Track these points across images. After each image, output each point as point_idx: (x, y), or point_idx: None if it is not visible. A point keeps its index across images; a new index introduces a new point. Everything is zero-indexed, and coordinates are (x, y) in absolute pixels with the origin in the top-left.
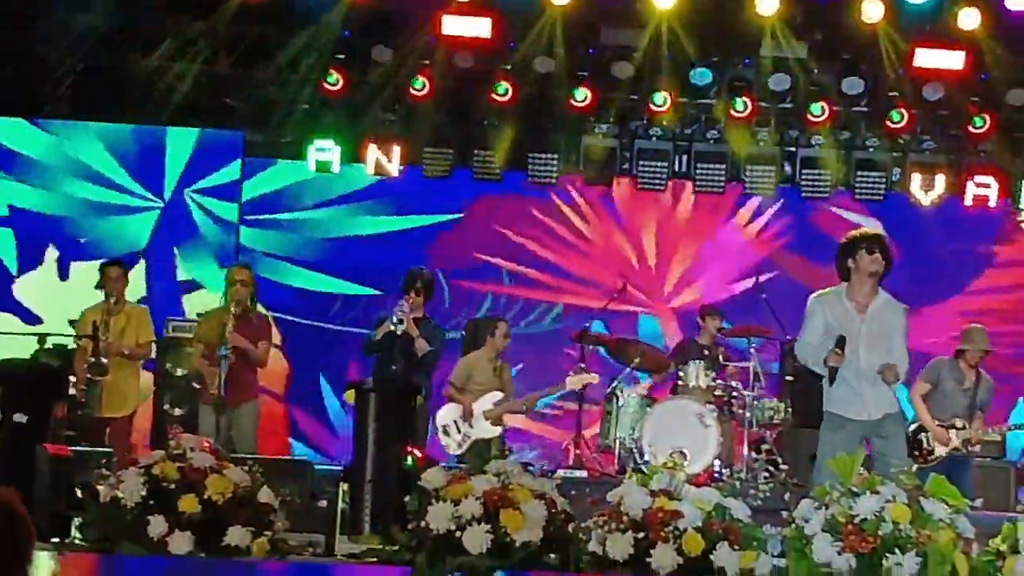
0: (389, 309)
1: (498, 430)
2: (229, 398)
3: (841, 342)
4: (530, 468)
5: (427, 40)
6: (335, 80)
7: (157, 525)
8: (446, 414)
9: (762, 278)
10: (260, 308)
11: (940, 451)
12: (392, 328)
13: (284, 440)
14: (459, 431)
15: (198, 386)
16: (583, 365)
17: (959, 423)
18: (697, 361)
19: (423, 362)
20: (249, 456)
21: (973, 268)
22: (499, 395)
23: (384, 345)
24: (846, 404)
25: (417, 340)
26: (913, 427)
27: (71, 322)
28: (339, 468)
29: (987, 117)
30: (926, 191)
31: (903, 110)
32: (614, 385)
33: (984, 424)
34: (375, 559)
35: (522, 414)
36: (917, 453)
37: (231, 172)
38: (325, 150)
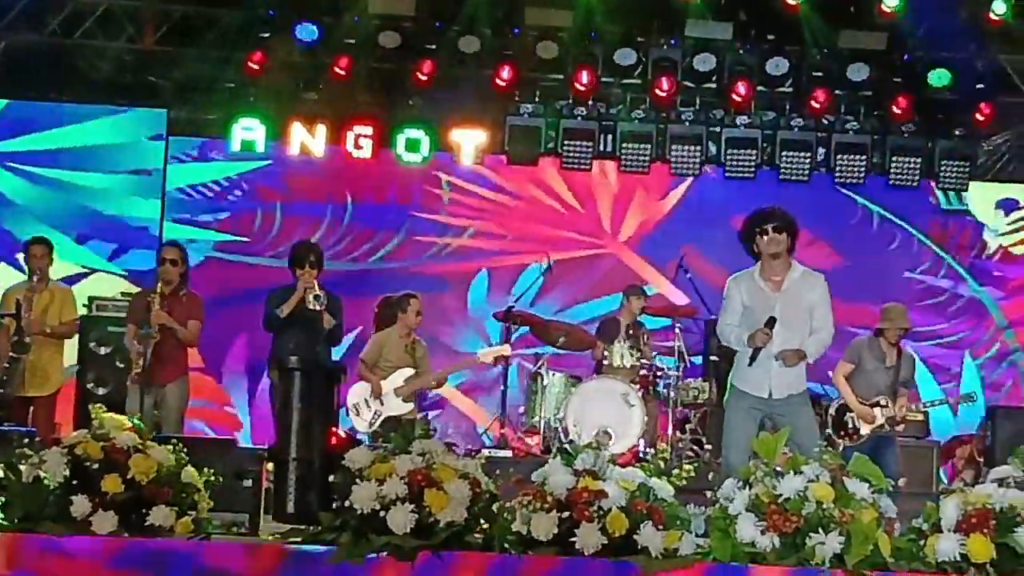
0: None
1: (410, 406)
2: (156, 377)
3: (771, 322)
4: (454, 448)
5: (352, 19)
6: (260, 59)
7: (80, 505)
8: (356, 392)
9: (685, 258)
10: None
11: (865, 429)
12: (312, 306)
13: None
14: (370, 408)
15: (121, 365)
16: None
17: (883, 401)
18: (622, 341)
19: (331, 336)
20: (173, 436)
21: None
22: (409, 372)
23: (294, 321)
24: (749, 380)
25: (324, 315)
26: (837, 405)
27: None
28: (264, 448)
29: (909, 98)
30: (850, 171)
31: (827, 90)
32: (539, 365)
33: (908, 401)
34: (299, 539)
35: (434, 389)
36: (843, 432)
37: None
38: (250, 129)
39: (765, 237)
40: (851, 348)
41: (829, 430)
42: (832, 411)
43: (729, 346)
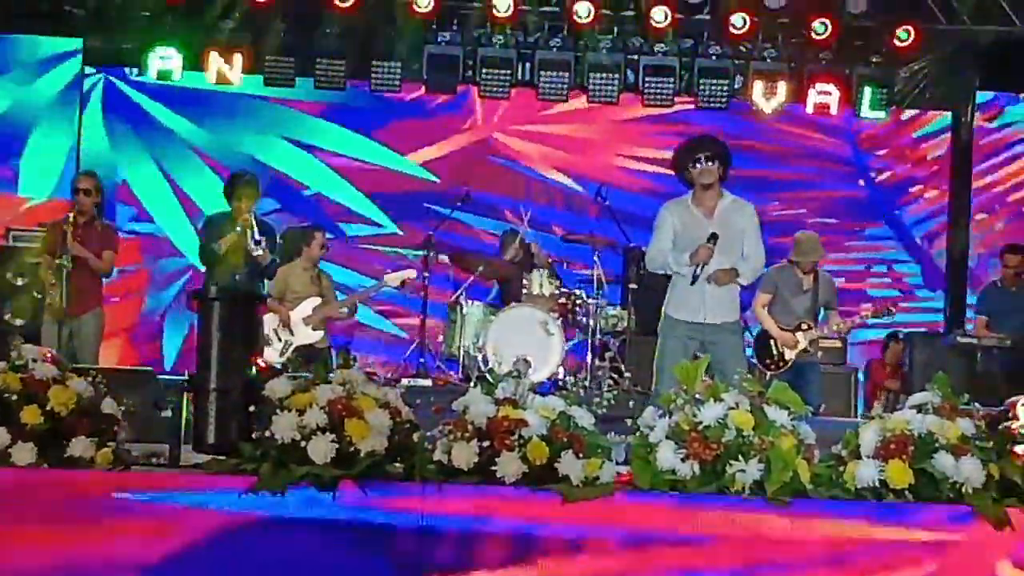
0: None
1: (319, 334)
2: (71, 308)
3: (713, 238)
4: (374, 378)
5: None
6: None
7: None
8: (266, 323)
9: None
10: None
11: (790, 355)
12: (253, 250)
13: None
14: (279, 339)
15: (39, 296)
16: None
17: (804, 325)
18: (540, 269)
19: (267, 271)
20: (92, 367)
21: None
22: (317, 300)
23: (227, 255)
24: (683, 306)
25: (257, 249)
26: (757, 333)
27: None
28: (183, 378)
29: (828, 24)
30: (768, 98)
31: (745, 16)
32: (458, 294)
33: (840, 318)
34: (220, 469)
35: (343, 317)
36: (768, 361)
37: None
38: (167, 58)
39: (697, 166)
40: (767, 278)
41: (754, 360)
42: (752, 339)
43: (660, 271)
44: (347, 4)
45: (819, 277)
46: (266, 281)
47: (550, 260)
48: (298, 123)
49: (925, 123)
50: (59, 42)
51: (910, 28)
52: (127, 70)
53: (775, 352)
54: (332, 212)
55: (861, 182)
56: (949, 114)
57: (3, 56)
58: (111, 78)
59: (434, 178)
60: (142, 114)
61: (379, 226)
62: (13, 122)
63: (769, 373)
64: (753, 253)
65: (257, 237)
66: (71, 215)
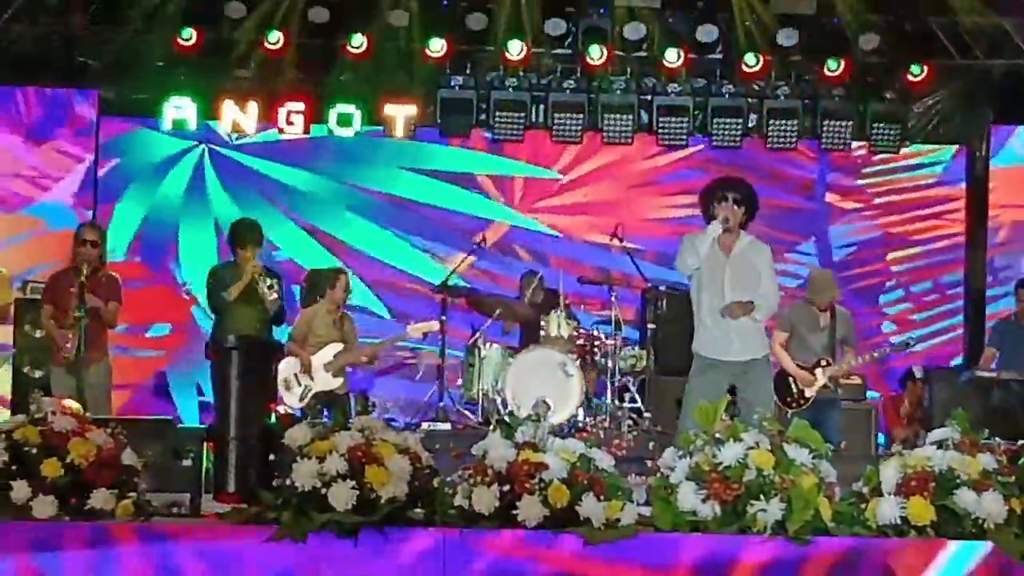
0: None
1: (340, 381)
2: (81, 359)
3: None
4: (393, 423)
5: None
6: (189, 36)
7: (20, 490)
8: (286, 368)
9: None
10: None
11: (809, 393)
12: (264, 293)
13: None
14: (300, 384)
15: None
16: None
17: (823, 362)
18: (558, 311)
19: (279, 316)
20: (111, 418)
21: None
22: (339, 346)
23: (240, 303)
24: (714, 346)
25: (269, 294)
26: (776, 371)
27: None
28: (202, 427)
29: (840, 61)
30: (783, 136)
31: (757, 55)
32: (475, 337)
33: (856, 355)
34: (241, 518)
35: (365, 365)
36: (789, 399)
37: None
38: (181, 107)
39: (723, 205)
40: (783, 317)
41: (776, 399)
42: (778, 378)
43: (690, 268)
44: (360, 50)
45: (836, 314)
46: (278, 326)
47: (568, 302)
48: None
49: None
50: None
51: (922, 64)
52: (228, 135)
53: (795, 390)
54: None
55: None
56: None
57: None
58: (212, 145)
59: None
60: (259, 175)
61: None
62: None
63: (790, 411)
64: (768, 292)
65: (269, 282)
66: (81, 266)
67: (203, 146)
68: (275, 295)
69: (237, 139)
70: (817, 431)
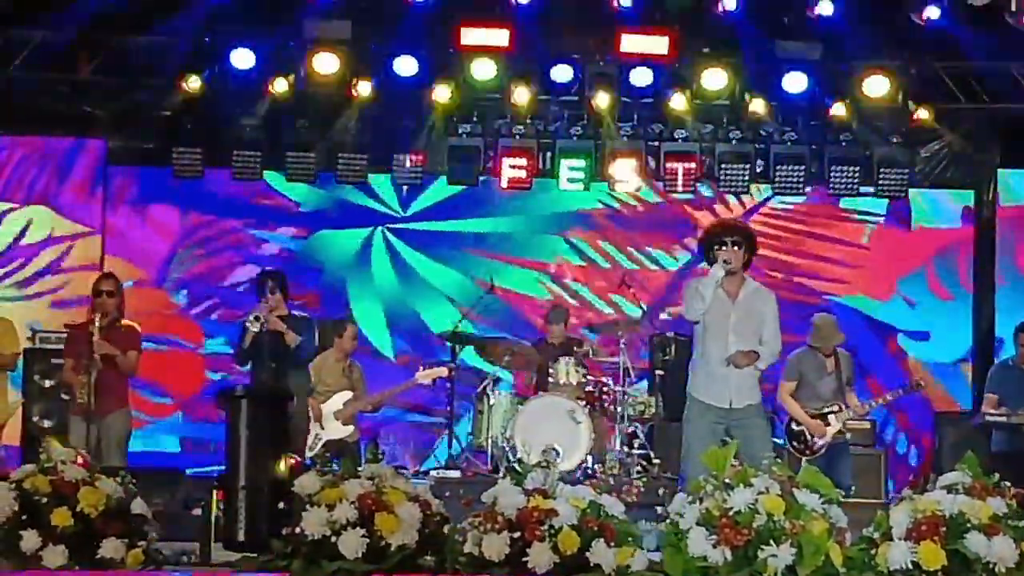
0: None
1: (350, 429)
2: (98, 408)
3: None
4: (403, 471)
5: (287, 43)
6: (196, 86)
7: (29, 540)
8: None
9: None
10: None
11: (822, 442)
12: (254, 330)
13: None
14: (310, 432)
15: (66, 397)
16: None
17: (835, 408)
18: (567, 358)
19: (297, 356)
20: (120, 467)
21: None
22: (348, 394)
23: (254, 351)
24: (709, 390)
25: (286, 333)
26: (790, 420)
27: None
28: (212, 476)
29: (846, 106)
30: (788, 183)
31: (764, 101)
32: (485, 384)
33: (856, 399)
34: (251, 567)
35: (372, 411)
36: (803, 447)
37: None
38: (189, 155)
39: (724, 249)
40: (789, 366)
41: (789, 446)
42: (792, 426)
43: (696, 313)
44: (368, 99)
45: (839, 358)
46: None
47: (587, 349)
48: None
49: None
50: None
51: (929, 108)
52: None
53: (807, 438)
54: None
55: None
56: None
57: None
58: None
59: None
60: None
61: None
62: None
63: (804, 459)
64: (771, 339)
65: (260, 317)
66: (96, 317)
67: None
68: (260, 327)
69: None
70: (828, 476)
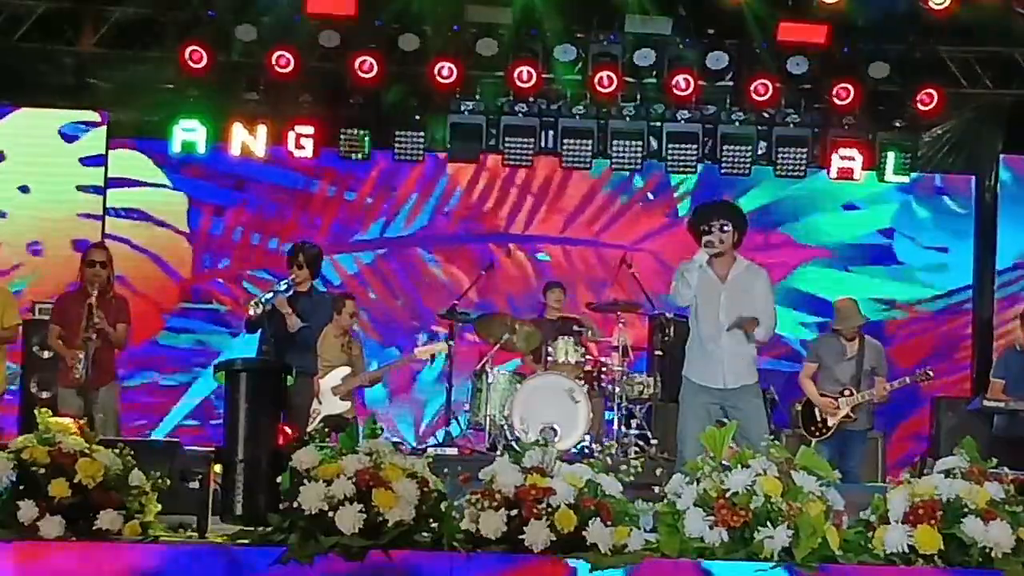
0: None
1: (347, 405)
2: (91, 381)
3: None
4: (401, 447)
5: (292, 18)
6: (199, 59)
7: (27, 510)
8: None
9: (629, 253)
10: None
11: (832, 421)
12: (255, 312)
13: None
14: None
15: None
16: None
17: (846, 391)
18: (565, 336)
19: (297, 338)
20: (119, 439)
21: None
22: (347, 370)
23: (262, 322)
24: (703, 371)
25: (288, 317)
26: (803, 401)
27: None
28: (209, 449)
29: (851, 89)
30: (792, 164)
31: (767, 83)
32: (483, 362)
33: (882, 387)
34: (248, 540)
35: (369, 387)
36: (813, 427)
37: None
38: (191, 130)
39: (712, 231)
40: (811, 349)
41: (800, 427)
42: (799, 407)
43: (685, 297)
44: (371, 75)
45: (865, 343)
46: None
47: (585, 329)
48: None
49: None
50: None
51: (933, 92)
52: None
53: (819, 419)
54: None
55: None
56: None
57: None
58: None
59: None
60: None
61: None
62: None
63: (813, 440)
64: (763, 315)
65: (275, 291)
66: (89, 287)
67: None
68: (295, 318)
69: None
70: (841, 461)
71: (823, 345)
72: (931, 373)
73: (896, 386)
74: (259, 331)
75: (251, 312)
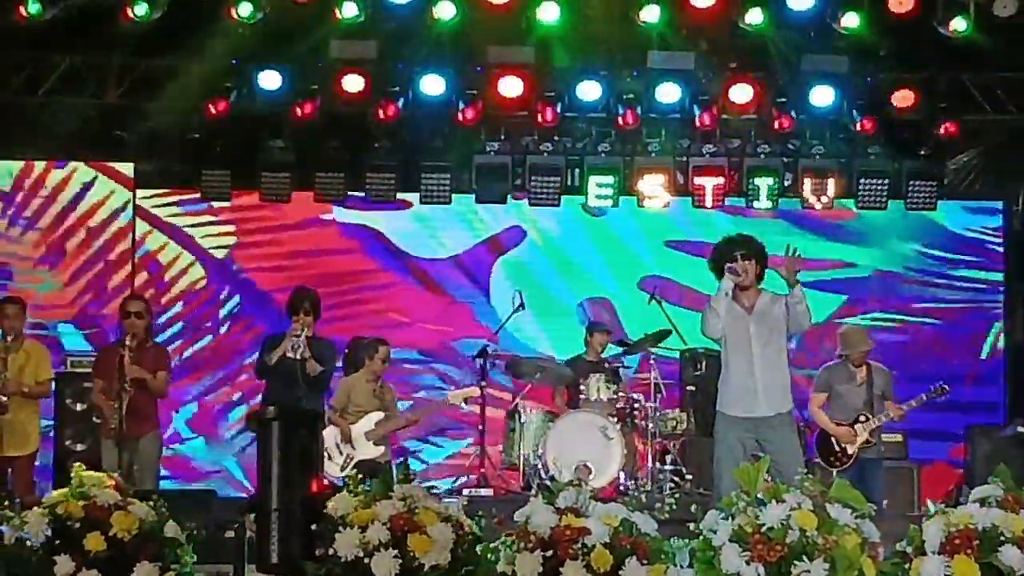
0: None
1: (381, 450)
2: (129, 430)
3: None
4: (435, 490)
5: (315, 64)
6: (223, 108)
7: (63, 565)
8: (327, 437)
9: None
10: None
11: (852, 450)
12: (290, 354)
13: None
14: (341, 453)
15: (98, 421)
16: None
17: (862, 417)
18: (597, 374)
19: (317, 383)
20: (152, 490)
21: None
22: (379, 415)
23: (279, 369)
24: (736, 402)
25: (308, 362)
26: (819, 432)
27: None
28: (244, 497)
29: (874, 120)
30: (818, 195)
31: (791, 116)
32: (516, 401)
33: (897, 407)
34: None
35: (403, 430)
36: (832, 458)
37: None
38: (218, 178)
39: (734, 263)
40: (819, 378)
41: (817, 458)
42: (815, 438)
43: (717, 330)
44: (395, 118)
45: (872, 369)
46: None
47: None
48: None
49: None
50: None
51: (957, 120)
52: None
53: (837, 449)
54: None
55: None
56: None
57: None
58: None
59: None
60: None
61: None
62: None
63: (835, 471)
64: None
65: (298, 344)
66: (127, 339)
67: None
68: (298, 355)
69: None
70: (860, 490)
71: (831, 373)
72: (947, 388)
73: (914, 404)
74: (269, 377)
75: (270, 358)
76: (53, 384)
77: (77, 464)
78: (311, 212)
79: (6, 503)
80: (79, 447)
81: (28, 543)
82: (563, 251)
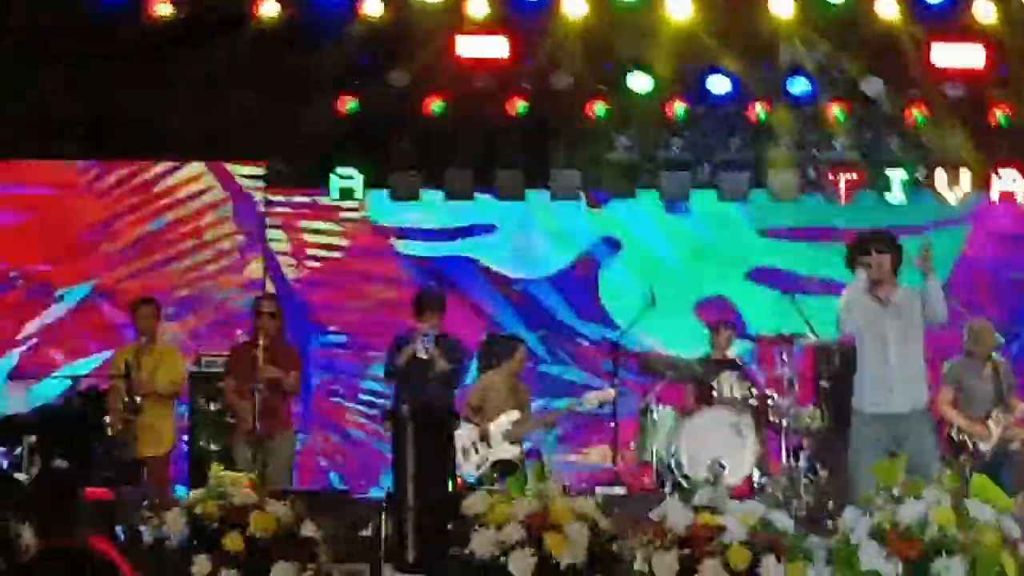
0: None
1: (517, 450)
2: (263, 429)
3: None
4: (570, 489)
5: (444, 62)
6: (353, 106)
7: (202, 565)
8: (463, 436)
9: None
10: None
11: (986, 446)
12: (420, 354)
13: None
14: (477, 452)
15: (232, 420)
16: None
17: (995, 413)
18: (729, 372)
19: (447, 381)
20: (289, 490)
21: None
22: (517, 414)
23: (408, 370)
24: (872, 399)
25: (438, 361)
26: (950, 429)
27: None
28: (378, 497)
29: (1009, 110)
30: (952, 188)
31: (924, 108)
32: (648, 399)
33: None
34: None
35: (540, 431)
36: (966, 455)
37: None
38: (349, 177)
39: (869, 256)
40: (947, 374)
41: (951, 456)
42: (952, 436)
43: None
44: (524, 115)
45: (997, 364)
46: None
47: (741, 360)
48: None
49: None
50: None
51: None
52: None
53: (971, 447)
54: None
55: None
56: None
57: None
58: None
59: None
60: None
61: None
62: None
63: (968, 467)
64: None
65: (426, 345)
66: (260, 338)
67: None
68: (427, 353)
69: None
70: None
71: (960, 369)
72: None
73: None
74: (397, 378)
75: (399, 358)
76: (186, 384)
77: (214, 464)
78: None
79: (145, 504)
80: (213, 447)
81: (166, 543)
82: (655, 252)
